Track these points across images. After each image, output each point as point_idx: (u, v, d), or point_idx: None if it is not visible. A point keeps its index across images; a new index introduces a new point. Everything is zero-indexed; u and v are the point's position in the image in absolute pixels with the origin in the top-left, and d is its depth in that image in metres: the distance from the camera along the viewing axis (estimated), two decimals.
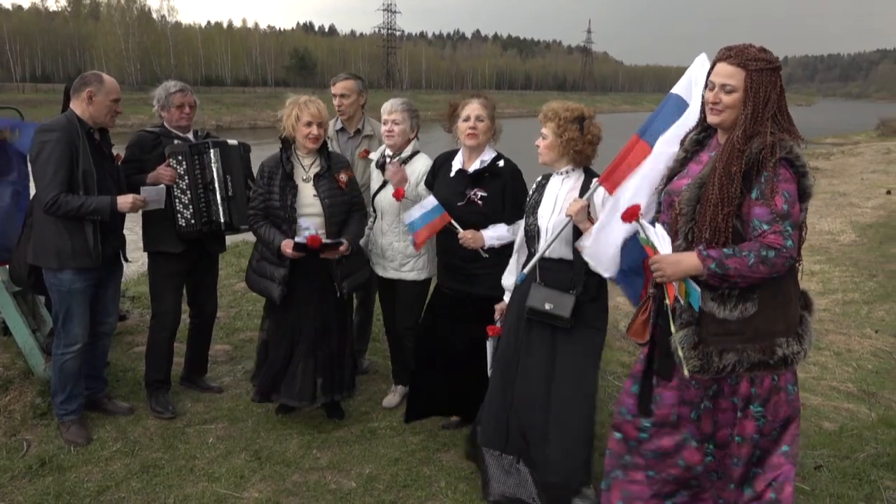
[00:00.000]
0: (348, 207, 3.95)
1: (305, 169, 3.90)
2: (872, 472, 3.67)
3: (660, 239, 2.54)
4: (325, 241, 3.71)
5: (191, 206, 4.07)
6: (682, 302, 2.54)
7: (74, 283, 3.74)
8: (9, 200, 4.29)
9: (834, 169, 22.44)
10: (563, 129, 3.23)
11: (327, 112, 3.92)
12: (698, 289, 2.49)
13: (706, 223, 2.48)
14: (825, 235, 11.14)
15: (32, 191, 3.84)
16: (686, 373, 2.54)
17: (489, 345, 3.62)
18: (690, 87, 3.10)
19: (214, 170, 4.09)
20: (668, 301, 2.56)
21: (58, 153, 3.58)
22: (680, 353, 2.54)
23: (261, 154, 4.18)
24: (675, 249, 2.58)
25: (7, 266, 4.32)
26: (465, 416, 4.01)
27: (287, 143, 3.89)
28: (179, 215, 4.07)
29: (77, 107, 3.73)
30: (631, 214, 2.57)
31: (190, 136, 4.22)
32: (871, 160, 25.25)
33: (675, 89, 3.19)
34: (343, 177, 3.92)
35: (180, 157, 4.05)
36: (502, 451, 3.36)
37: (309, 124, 3.78)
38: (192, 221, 4.08)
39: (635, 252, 2.96)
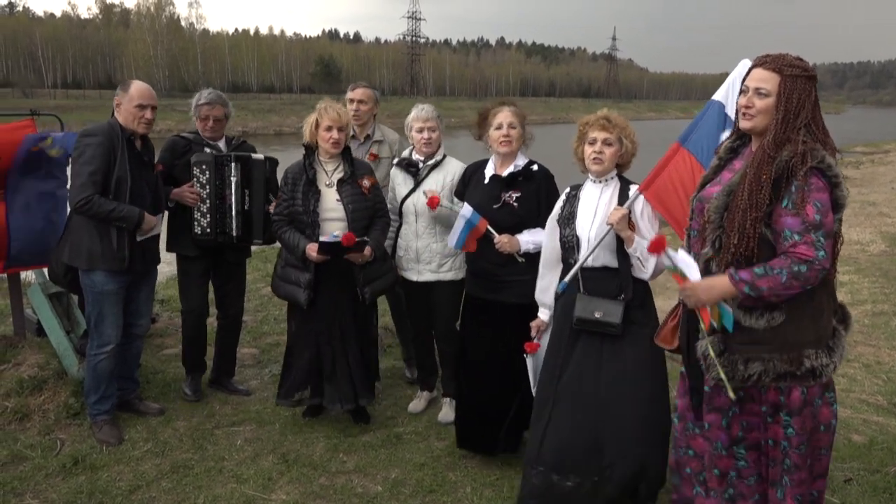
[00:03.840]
0: (371, 213, 3.98)
1: (328, 174, 3.94)
2: None
3: (688, 266, 2.47)
4: (358, 238, 3.74)
5: (208, 215, 4.16)
6: (716, 326, 2.50)
7: (106, 284, 3.82)
8: (49, 207, 4.39)
9: (863, 178, 22.07)
10: (628, 136, 3.27)
11: (349, 117, 3.96)
12: (731, 311, 2.45)
13: (734, 228, 2.45)
14: (854, 245, 10.96)
15: None
16: (732, 396, 2.51)
17: (529, 362, 3.55)
18: (730, 92, 3.06)
19: (233, 183, 4.17)
20: (703, 326, 2.52)
21: (98, 156, 3.67)
22: (723, 376, 2.50)
23: (286, 160, 4.23)
24: (703, 257, 2.55)
25: (45, 268, 4.43)
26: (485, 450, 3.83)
27: (310, 150, 3.95)
28: (196, 223, 4.17)
29: (116, 114, 3.84)
30: (658, 246, 2.50)
31: (221, 144, 4.31)
32: None
33: (717, 95, 3.16)
34: (366, 182, 3.95)
35: (204, 167, 4.14)
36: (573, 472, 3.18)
37: (329, 128, 3.83)
38: (208, 230, 4.18)
39: None
